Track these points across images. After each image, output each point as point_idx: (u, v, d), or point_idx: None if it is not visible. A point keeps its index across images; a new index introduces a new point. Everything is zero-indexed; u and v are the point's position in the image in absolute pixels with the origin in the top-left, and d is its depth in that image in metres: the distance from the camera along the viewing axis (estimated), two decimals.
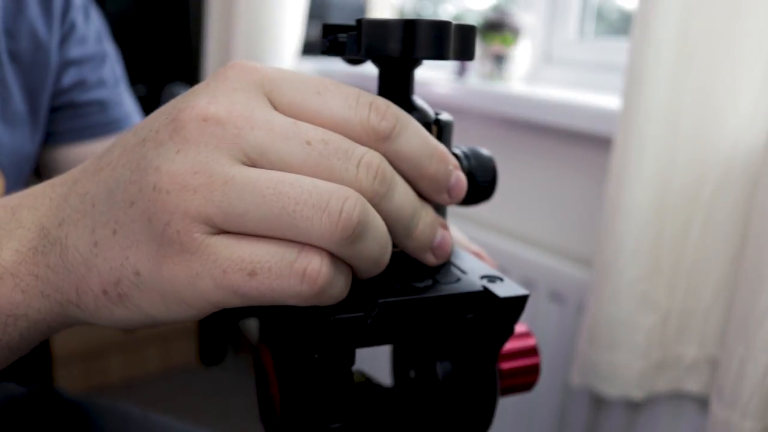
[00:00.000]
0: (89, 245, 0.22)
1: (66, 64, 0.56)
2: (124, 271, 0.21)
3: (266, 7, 1.28)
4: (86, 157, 0.58)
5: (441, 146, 0.24)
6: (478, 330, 0.26)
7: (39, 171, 0.62)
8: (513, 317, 0.26)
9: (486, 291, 0.26)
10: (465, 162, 0.29)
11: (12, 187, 0.53)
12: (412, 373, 0.32)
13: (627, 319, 0.70)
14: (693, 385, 0.72)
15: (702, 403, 0.74)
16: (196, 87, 0.22)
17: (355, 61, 0.28)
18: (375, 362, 0.53)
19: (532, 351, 0.31)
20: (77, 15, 0.57)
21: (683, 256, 0.69)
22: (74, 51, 0.57)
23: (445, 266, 0.28)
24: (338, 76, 1.27)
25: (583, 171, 0.91)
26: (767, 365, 0.57)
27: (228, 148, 0.20)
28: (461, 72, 1.09)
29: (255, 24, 1.29)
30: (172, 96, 0.52)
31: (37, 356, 0.81)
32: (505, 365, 0.30)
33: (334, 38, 0.25)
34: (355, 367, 0.34)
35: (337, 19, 1.43)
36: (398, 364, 0.35)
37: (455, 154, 0.30)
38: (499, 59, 1.03)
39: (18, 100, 0.52)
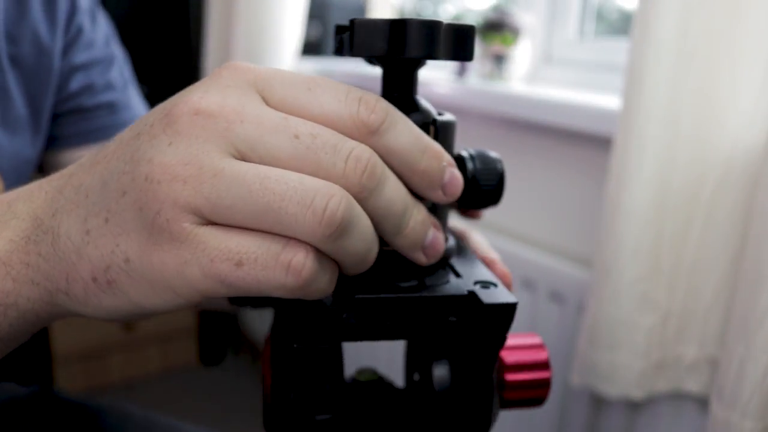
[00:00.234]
0: (81, 233, 0.22)
1: (73, 70, 0.56)
2: (114, 258, 0.21)
3: (266, 7, 1.28)
4: None
5: (434, 143, 0.24)
6: (466, 335, 0.26)
7: (45, 175, 0.62)
8: (501, 325, 0.26)
9: (471, 296, 0.26)
10: (470, 164, 0.29)
11: None
12: (416, 376, 0.33)
13: (627, 319, 0.70)
14: (693, 385, 0.72)
15: (702, 403, 0.74)
16: (192, 85, 0.23)
17: (373, 60, 0.28)
18: (394, 363, 0.53)
19: (543, 365, 0.29)
20: (84, 19, 0.57)
21: (683, 256, 0.69)
22: (81, 56, 0.57)
23: (440, 268, 0.28)
24: (338, 76, 1.27)
25: (583, 171, 0.91)
26: (767, 365, 0.57)
27: (218, 141, 0.20)
28: (461, 72, 1.09)
29: (255, 24, 1.29)
30: None
31: (37, 356, 0.82)
32: (511, 377, 0.29)
33: (340, 39, 0.26)
34: (367, 366, 0.34)
35: (337, 19, 1.43)
36: (408, 366, 0.35)
37: (460, 156, 0.29)
38: (499, 59, 1.03)
39: (19, 105, 0.52)
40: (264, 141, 0.21)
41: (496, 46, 1.03)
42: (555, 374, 0.88)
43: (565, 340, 0.87)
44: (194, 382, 1.70)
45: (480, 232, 0.41)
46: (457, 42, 0.25)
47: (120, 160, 0.22)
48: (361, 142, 0.22)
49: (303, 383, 0.26)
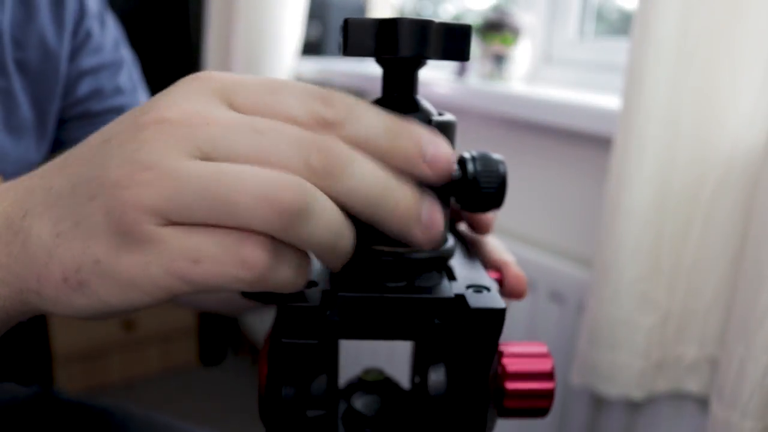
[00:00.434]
0: (52, 236, 0.23)
1: (81, 75, 0.56)
2: (85, 259, 0.22)
3: (266, 6, 1.28)
4: None
5: (406, 123, 0.23)
6: (457, 340, 0.26)
7: None
8: (491, 330, 0.25)
9: (459, 299, 0.26)
10: (470, 166, 0.29)
11: None
12: (417, 379, 0.33)
13: (627, 319, 0.70)
14: (693, 385, 0.72)
15: (702, 403, 0.74)
16: (159, 93, 0.24)
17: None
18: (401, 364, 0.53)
19: (547, 375, 0.28)
20: (92, 23, 0.56)
21: (683, 256, 0.69)
22: (89, 60, 0.56)
23: (434, 270, 0.28)
24: (339, 75, 1.27)
25: (583, 171, 0.91)
26: (767, 365, 0.57)
27: (182, 146, 0.21)
28: (461, 72, 1.09)
29: (255, 24, 1.29)
30: None
31: (37, 356, 0.82)
32: (511, 385, 0.28)
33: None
34: (374, 366, 0.34)
35: (337, 19, 1.43)
36: (412, 368, 0.35)
37: (463, 158, 0.29)
38: (499, 59, 1.03)
39: (25, 110, 0.52)
40: (226, 140, 0.22)
41: (496, 46, 1.03)
42: (555, 374, 0.88)
43: (565, 340, 0.87)
44: (194, 382, 1.70)
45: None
46: (451, 41, 0.24)
47: (89, 164, 0.23)
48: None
49: (293, 379, 0.26)
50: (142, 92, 0.62)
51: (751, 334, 0.58)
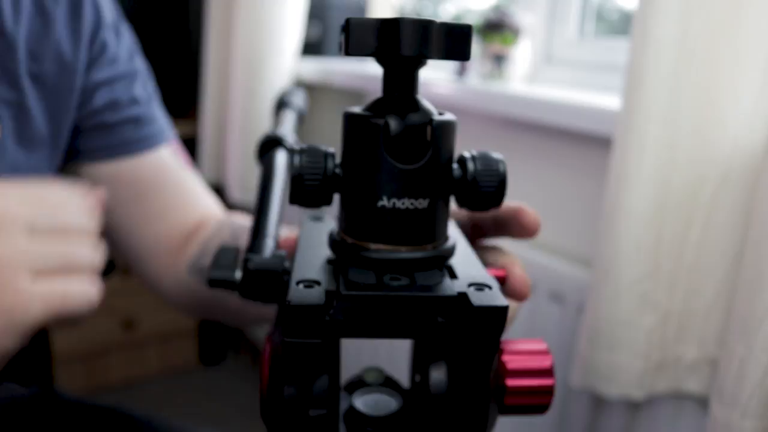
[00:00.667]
0: None
1: (97, 86, 0.56)
2: None
3: (266, 6, 1.28)
4: (118, 174, 0.58)
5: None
6: (459, 337, 0.26)
7: None
8: (493, 328, 0.25)
9: (460, 297, 0.26)
10: (470, 165, 0.29)
11: None
12: (417, 378, 0.33)
13: (627, 319, 0.70)
14: (693, 385, 0.72)
15: (702, 403, 0.74)
16: None
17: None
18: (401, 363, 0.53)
19: (546, 372, 0.29)
20: (108, 35, 0.57)
21: (683, 256, 0.69)
22: (105, 72, 0.57)
23: (435, 269, 0.28)
24: (339, 75, 1.27)
25: (583, 171, 0.91)
26: (767, 365, 0.57)
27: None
28: (461, 72, 1.09)
29: (255, 24, 1.29)
30: (292, 96, 0.53)
31: (37, 356, 0.82)
32: (512, 382, 0.28)
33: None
34: (375, 366, 0.34)
35: (337, 19, 1.43)
36: (412, 367, 0.35)
37: (463, 157, 0.29)
38: (499, 59, 1.03)
39: (39, 122, 0.52)
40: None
41: (496, 46, 1.03)
42: (555, 375, 0.88)
43: (565, 340, 0.87)
44: (194, 382, 1.70)
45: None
46: (451, 41, 0.25)
47: None
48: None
49: (295, 378, 0.26)
50: (156, 102, 0.62)
51: (751, 334, 0.58)
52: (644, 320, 0.70)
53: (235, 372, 1.75)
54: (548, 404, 0.29)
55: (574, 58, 1.05)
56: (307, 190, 0.28)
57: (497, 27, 1.02)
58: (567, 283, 0.87)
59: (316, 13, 1.41)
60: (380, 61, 0.27)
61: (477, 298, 0.25)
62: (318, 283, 0.27)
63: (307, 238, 0.33)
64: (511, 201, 0.34)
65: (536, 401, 0.28)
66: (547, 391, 0.28)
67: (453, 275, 0.28)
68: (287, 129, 0.47)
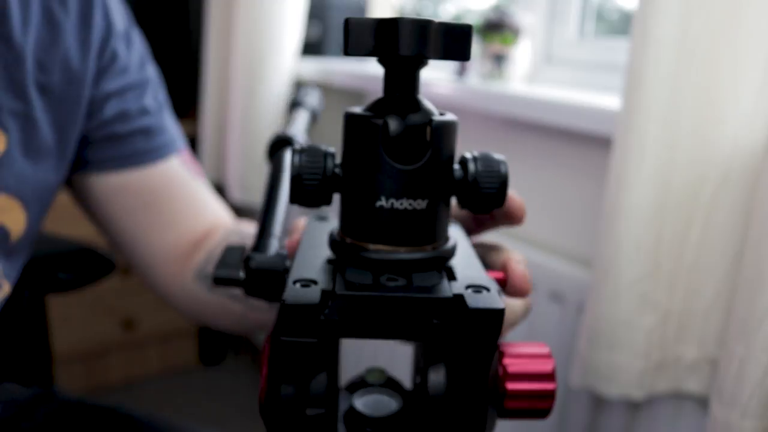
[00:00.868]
0: None
1: (107, 97, 0.56)
2: None
3: (266, 6, 1.28)
4: (127, 184, 0.58)
5: None
6: (456, 340, 0.26)
7: (71, 197, 0.62)
8: (489, 330, 0.25)
9: (456, 299, 0.26)
10: (471, 166, 0.29)
11: (33, 220, 0.53)
12: (417, 379, 0.33)
13: (627, 319, 0.70)
14: (693, 385, 0.72)
15: (702, 403, 0.74)
16: None
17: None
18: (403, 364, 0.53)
19: (547, 376, 0.28)
20: (118, 44, 0.56)
21: (683, 256, 0.69)
22: (115, 83, 0.56)
23: (433, 271, 0.28)
24: (339, 75, 1.27)
25: (583, 171, 0.91)
26: (767, 365, 0.57)
27: None
28: (461, 72, 1.09)
29: (255, 24, 1.29)
30: (306, 95, 0.53)
31: (37, 356, 0.82)
32: (512, 386, 0.28)
33: None
34: (376, 366, 0.34)
35: (337, 19, 1.43)
36: (414, 369, 0.35)
37: (464, 158, 0.29)
38: (499, 59, 1.03)
39: (46, 133, 0.52)
40: None
41: (496, 46, 1.03)
42: (556, 375, 0.88)
43: (565, 340, 0.87)
44: (194, 382, 1.70)
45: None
46: (450, 41, 0.25)
47: None
48: None
49: (292, 377, 0.26)
50: (167, 111, 0.62)
51: (751, 334, 0.58)
52: (644, 320, 0.70)
53: (235, 372, 1.75)
54: (549, 409, 0.28)
55: (574, 58, 1.05)
56: (306, 190, 0.28)
57: (497, 27, 1.02)
58: (567, 283, 0.87)
59: (316, 13, 1.41)
60: (380, 61, 0.27)
61: (473, 300, 0.25)
62: (315, 282, 0.27)
63: (310, 238, 0.33)
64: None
65: (537, 405, 0.28)
66: (548, 396, 0.28)
67: (452, 277, 0.28)
68: (298, 128, 0.47)
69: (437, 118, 0.27)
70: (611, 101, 0.82)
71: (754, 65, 0.62)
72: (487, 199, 0.28)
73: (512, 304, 0.34)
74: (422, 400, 0.29)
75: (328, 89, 1.36)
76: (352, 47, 0.24)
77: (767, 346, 0.57)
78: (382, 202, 0.27)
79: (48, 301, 0.81)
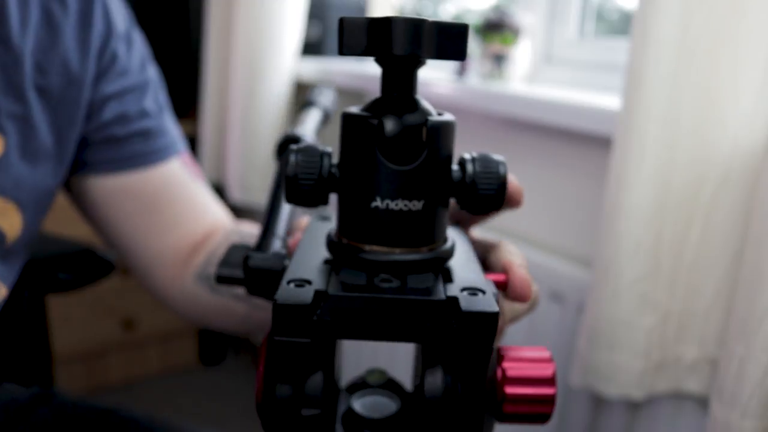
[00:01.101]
0: None
1: (106, 99, 0.55)
2: None
3: (266, 6, 1.28)
4: (126, 187, 0.57)
5: None
6: (449, 342, 0.26)
7: (69, 199, 0.61)
8: (483, 334, 0.25)
9: (450, 302, 0.26)
10: (469, 168, 0.28)
11: (30, 223, 0.52)
12: (417, 381, 0.33)
13: (627, 319, 0.70)
14: (693, 385, 0.72)
15: (702, 403, 0.74)
16: None
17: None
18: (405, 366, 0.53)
19: (547, 380, 0.28)
20: (119, 45, 0.56)
21: (683, 256, 0.69)
22: (114, 85, 0.56)
23: (429, 272, 0.28)
24: (339, 75, 1.27)
25: (583, 171, 0.91)
26: (767, 365, 0.57)
27: None
28: (461, 72, 1.09)
29: (255, 24, 1.29)
30: (319, 95, 0.53)
31: (37, 356, 0.82)
32: (511, 390, 0.27)
33: None
34: (377, 367, 0.34)
35: (337, 19, 1.43)
36: (415, 370, 0.35)
37: (463, 159, 0.29)
38: (499, 59, 1.03)
39: (44, 136, 0.51)
40: None
41: (496, 46, 1.02)
42: (556, 380, 0.88)
43: (565, 340, 0.87)
44: (194, 382, 1.70)
45: (480, 232, 0.41)
46: (445, 40, 0.24)
47: None
48: None
49: (287, 377, 0.26)
50: (167, 113, 0.61)
51: (751, 334, 0.58)
52: (644, 320, 0.70)
53: (235, 372, 1.75)
54: (549, 414, 0.28)
55: (574, 58, 1.05)
56: (302, 190, 0.28)
57: (497, 27, 1.02)
58: (567, 283, 0.87)
59: (316, 13, 1.41)
60: (377, 60, 0.27)
61: (467, 303, 0.25)
62: (309, 282, 0.27)
63: (310, 238, 0.33)
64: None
65: (536, 410, 0.28)
66: (548, 401, 0.28)
67: (448, 279, 0.28)
68: (308, 128, 0.47)
69: (433, 118, 0.27)
70: (611, 101, 0.82)
71: (754, 65, 0.62)
72: (485, 201, 0.28)
73: (512, 307, 0.34)
74: (419, 402, 0.29)
75: None
76: (346, 47, 0.24)
77: (767, 346, 0.57)
78: (378, 203, 0.27)
79: (48, 301, 0.81)
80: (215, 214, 0.62)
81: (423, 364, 0.28)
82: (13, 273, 0.54)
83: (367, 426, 0.31)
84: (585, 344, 0.74)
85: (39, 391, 0.59)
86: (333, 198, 0.29)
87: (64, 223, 0.94)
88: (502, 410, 0.28)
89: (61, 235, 0.82)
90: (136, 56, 0.58)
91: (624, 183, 0.67)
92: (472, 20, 1.09)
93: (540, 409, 0.28)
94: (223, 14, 1.40)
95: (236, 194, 1.40)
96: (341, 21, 0.24)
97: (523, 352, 0.29)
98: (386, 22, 0.24)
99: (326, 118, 0.51)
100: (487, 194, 0.28)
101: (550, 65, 1.09)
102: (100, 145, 0.56)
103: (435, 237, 0.28)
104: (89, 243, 0.79)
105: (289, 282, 0.27)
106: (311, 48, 1.43)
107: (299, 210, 0.41)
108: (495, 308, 0.25)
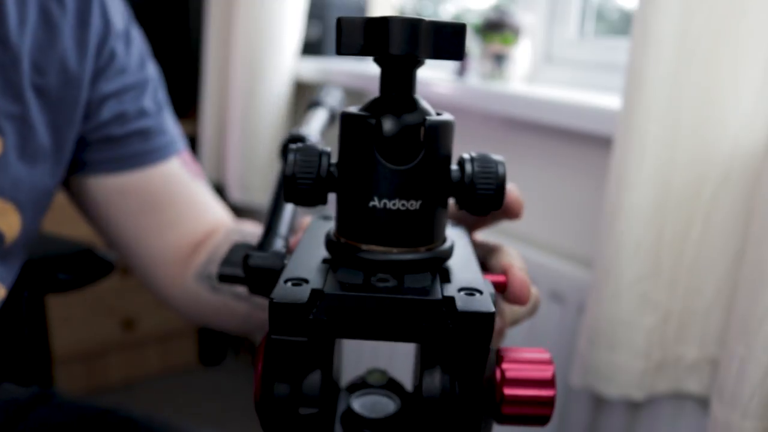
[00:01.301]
0: None
1: (104, 98, 0.55)
2: None
3: (266, 6, 1.28)
4: (126, 186, 0.57)
5: None
6: (445, 342, 0.26)
7: (69, 199, 0.61)
8: (479, 334, 0.25)
9: (446, 302, 0.25)
10: (468, 167, 0.28)
11: (29, 223, 0.52)
12: (416, 381, 0.33)
13: (627, 319, 0.70)
14: (693, 385, 0.72)
15: (702, 403, 0.74)
16: None
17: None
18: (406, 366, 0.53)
19: (547, 382, 0.28)
20: (117, 44, 0.55)
21: (683, 256, 0.69)
22: (113, 84, 0.55)
23: (427, 272, 0.28)
24: (338, 75, 1.27)
25: (583, 171, 0.91)
26: (767, 365, 0.57)
27: None
28: (461, 72, 1.09)
29: (255, 24, 1.29)
30: (326, 95, 0.52)
31: (37, 356, 0.82)
32: (510, 391, 0.27)
33: None
34: (377, 367, 0.34)
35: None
36: (414, 370, 0.35)
37: (462, 159, 0.29)
38: (499, 59, 1.03)
39: (42, 136, 0.51)
40: None
41: (496, 46, 1.02)
42: (556, 382, 0.88)
43: (565, 340, 0.87)
44: (194, 382, 1.70)
45: (480, 232, 0.41)
46: (442, 40, 0.24)
47: None
48: None
49: (284, 376, 0.26)
50: (166, 112, 0.61)
51: (751, 334, 0.58)
52: (644, 320, 0.70)
53: (235, 372, 1.75)
54: (548, 416, 0.28)
55: (574, 57, 1.05)
56: (300, 189, 0.28)
57: (497, 27, 1.01)
58: (567, 283, 0.87)
59: (316, 13, 1.41)
60: (376, 60, 0.27)
61: (463, 303, 0.25)
62: (306, 281, 0.27)
63: (311, 237, 0.33)
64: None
65: (535, 412, 0.28)
66: (547, 403, 0.28)
67: (446, 279, 0.28)
68: (313, 128, 0.47)
69: (431, 118, 0.27)
70: (611, 101, 0.82)
71: (754, 65, 0.62)
72: (484, 201, 0.28)
73: (512, 309, 0.34)
74: (418, 402, 0.29)
75: None
76: (344, 46, 0.24)
77: (767, 346, 0.57)
78: (375, 202, 0.27)
79: (48, 301, 0.81)
80: (216, 213, 0.62)
81: (421, 364, 0.28)
82: (13, 273, 0.54)
83: (365, 426, 0.31)
84: (585, 344, 0.74)
85: (38, 391, 0.59)
86: (332, 198, 0.29)
87: (64, 223, 0.94)
88: (501, 411, 0.27)
89: (60, 235, 0.82)
90: (135, 54, 0.58)
91: (624, 183, 0.67)
92: (472, 20, 1.09)
93: (539, 410, 0.28)
94: (223, 14, 1.40)
95: (236, 194, 1.40)
96: (339, 21, 0.24)
97: (523, 353, 0.28)
98: (383, 21, 0.24)
99: (333, 119, 0.51)
100: (486, 194, 0.28)
101: (550, 65, 1.09)
102: (99, 144, 0.56)
103: (433, 237, 0.28)
104: (89, 243, 0.79)
105: (286, 281, 0.27)
106: (311, 48, 1.43)
107: (302, 210, 0.41)
108: (491, 308, 0.25)
